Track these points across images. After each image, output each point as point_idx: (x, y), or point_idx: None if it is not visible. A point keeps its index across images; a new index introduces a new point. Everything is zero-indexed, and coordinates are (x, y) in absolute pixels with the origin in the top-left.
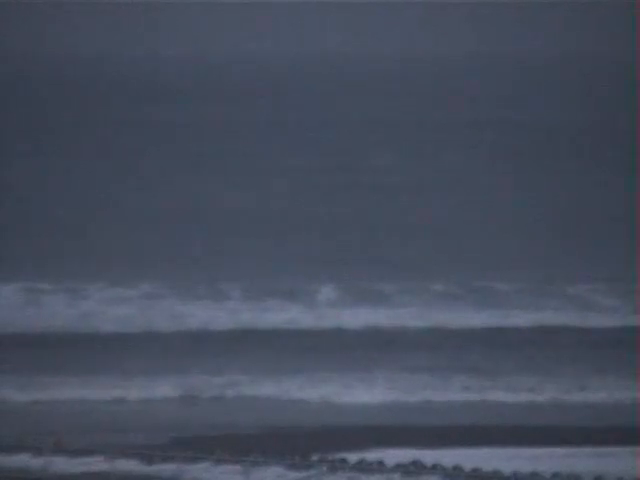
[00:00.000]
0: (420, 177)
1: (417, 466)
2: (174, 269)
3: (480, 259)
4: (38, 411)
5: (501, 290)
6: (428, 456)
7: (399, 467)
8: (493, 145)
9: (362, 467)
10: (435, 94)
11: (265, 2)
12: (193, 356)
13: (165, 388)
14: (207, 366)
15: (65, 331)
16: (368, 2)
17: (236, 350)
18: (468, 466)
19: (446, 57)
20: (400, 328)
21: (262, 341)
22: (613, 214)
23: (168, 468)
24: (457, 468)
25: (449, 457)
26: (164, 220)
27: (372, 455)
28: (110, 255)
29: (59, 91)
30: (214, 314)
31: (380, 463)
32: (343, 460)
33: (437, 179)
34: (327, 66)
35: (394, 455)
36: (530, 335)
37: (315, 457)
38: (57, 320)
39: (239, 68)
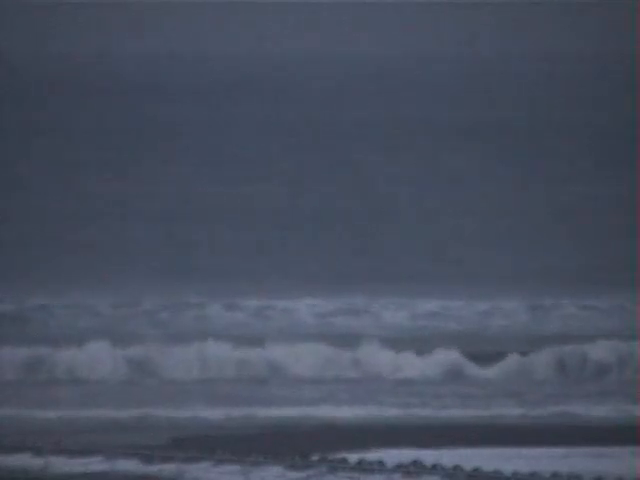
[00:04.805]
0: (419, 178)
1: (417, 466)
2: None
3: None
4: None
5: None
6: (428, 456)
7: (399, 467)
8: (493, 146)
9: (362, 467)
10: (434, 95)
11: (265, 2)
12: None
13: None
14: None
15: None
16: (367, 2)
17: None
18: (468, 466)
19: (445, 57)
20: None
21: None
22: (618, 215)
23: (168, 468)
24: (457, 468)
25: (449, 457)
26: (165, 220)
27: (372, 455)
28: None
29: (58, 91)
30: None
31: (380, 463)
32: (343, 460)
33: (436, 180)
34: (328, 66)
35: (394, 455)
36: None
37: (315, 457)
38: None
39: (240, 68)
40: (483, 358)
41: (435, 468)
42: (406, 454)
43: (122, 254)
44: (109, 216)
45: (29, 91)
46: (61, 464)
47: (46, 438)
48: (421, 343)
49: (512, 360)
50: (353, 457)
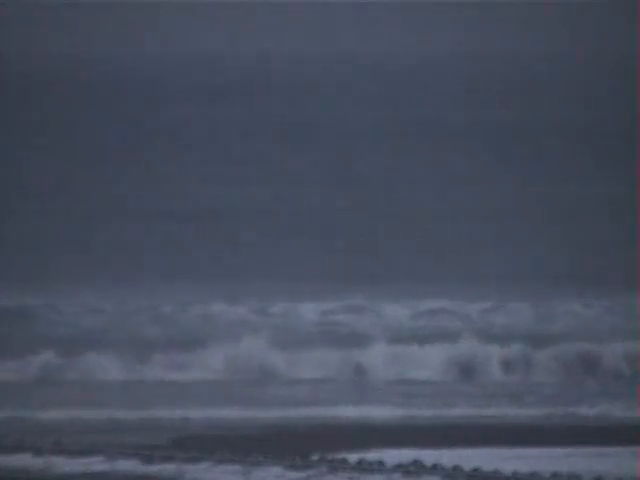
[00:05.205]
0: (421, 178)
1: (417, 466)
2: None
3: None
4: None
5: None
6: (428, 456)
7: (399, 467)
8: (493, 145)
9: (362, 467)
10: (434, 94)
11: (266, 2)
12: None
13: None
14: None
15: None
16: (369, 2)
17: None
18: (468, 466)
19: (446, 57)
20: None
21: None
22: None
23: (168, 468)
24: (457, 468)
25: (449, 457)
26: (166, 220)
27: (372, 455)
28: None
29: (59, 91)
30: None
31: (380, 463)
32: (343, 460)
33: (438, 180)
34: (328, 66)
35: (394, 455)
36: None
37: (315, 457)
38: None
39: (241, 68)
40: (483, 358)
41: (435, 468)
42: (406, 454)
43: (123, 254)
44: (110, 216)
45: (30, 91)
46: (61, 464)
47: (46, 438)
48: (422, 343)
49: (512, 360)
50: (353, 457)
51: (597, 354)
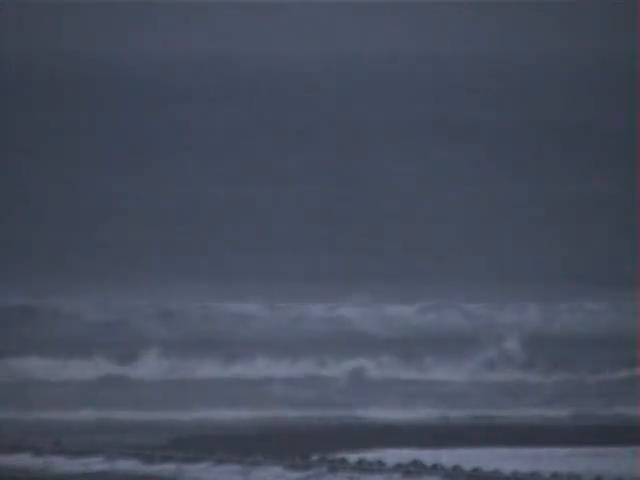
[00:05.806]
0: (418, 177)
1: (417, 466)
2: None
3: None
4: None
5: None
6: (428, 456)
7: (399, 467)
8: (493, 145)
9: (362, 467)
10: (434, 93)
11: (266, 2)
12: None
13: None
14: None
15: None
16: (368, 3)
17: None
18: (468, 466)
19: (446, 57)
20: None
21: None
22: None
23: (168, 468)
24: (457, 468)
25: (449, 457)
26: (168, 219)
27: (372, 455)
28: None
29: (59, 91)
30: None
31: (380, 463)
32: (343, 460)
33: (434, 178)
34: (328, 66)
35: (394, 455)
36: None
37: (315, 457)
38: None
39: (241, 68)
40: (484, 358)
41: (435, 468)
42: (406, 454)
43: (125, 254)
44: (114, 216)
45: (30, 91)
46: (61, 464)
47: (46, 438)
48: (422, 343)
49: (513, 360)
50: (353, 457)
51: (597, 354)
